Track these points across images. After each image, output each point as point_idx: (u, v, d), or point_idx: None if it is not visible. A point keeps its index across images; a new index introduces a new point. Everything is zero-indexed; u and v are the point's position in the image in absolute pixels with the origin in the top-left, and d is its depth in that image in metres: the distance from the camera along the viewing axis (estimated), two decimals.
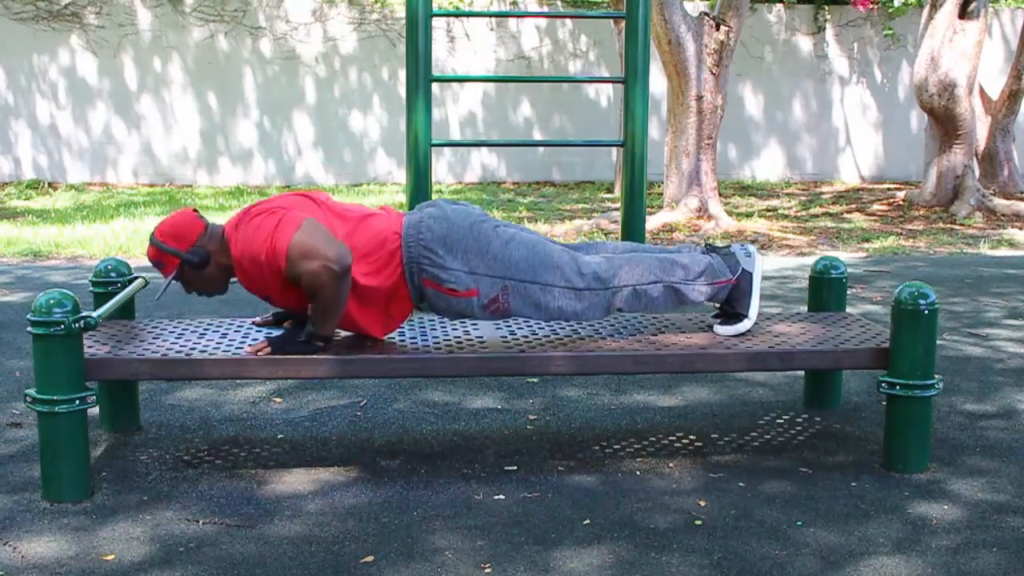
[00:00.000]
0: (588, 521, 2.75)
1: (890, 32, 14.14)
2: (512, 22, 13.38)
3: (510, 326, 3.37)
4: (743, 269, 3.21)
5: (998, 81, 13.12)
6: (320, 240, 2.82)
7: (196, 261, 2.95)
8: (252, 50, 13.04)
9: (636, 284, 3.10)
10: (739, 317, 3.23)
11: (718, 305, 3.32)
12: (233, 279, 3.05)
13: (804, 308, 5.30)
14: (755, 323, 3.33)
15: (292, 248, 2.81)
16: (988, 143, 12.09)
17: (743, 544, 2.61)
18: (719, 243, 3.13)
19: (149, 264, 2.98)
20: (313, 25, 13.15)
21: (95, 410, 3.23)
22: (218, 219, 9.64)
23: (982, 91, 12.00)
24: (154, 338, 3.15)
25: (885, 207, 11.28)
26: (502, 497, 2.91)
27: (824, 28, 14.06)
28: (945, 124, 10.70)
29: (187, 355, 2.94)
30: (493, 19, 13.42)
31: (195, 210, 3.06)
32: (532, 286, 3.01)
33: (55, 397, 2.78)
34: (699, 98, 9.39)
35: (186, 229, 2.98)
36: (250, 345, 3.01)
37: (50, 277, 6.50)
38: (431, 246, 2.96)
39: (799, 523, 2.75)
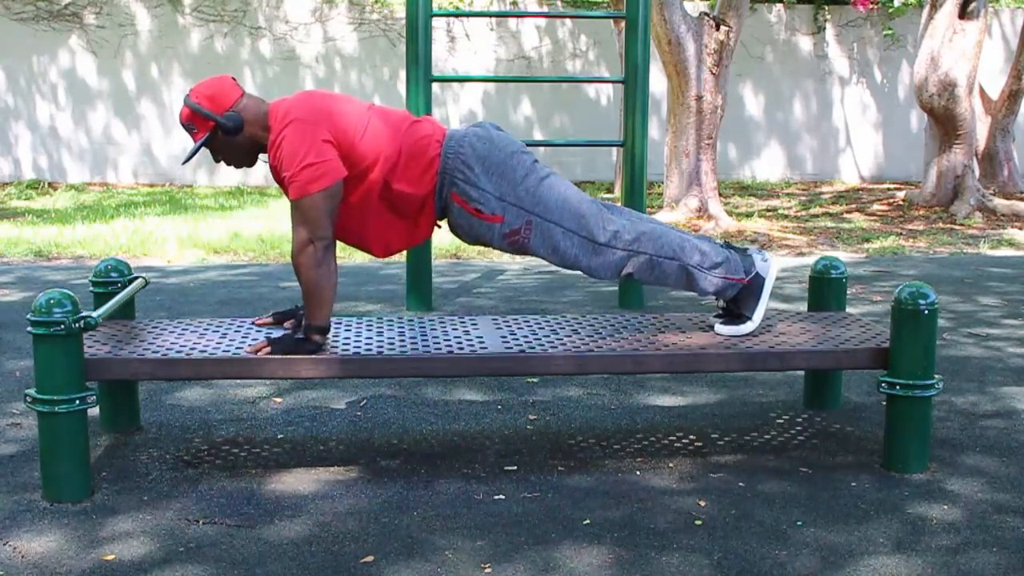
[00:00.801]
0: (588, 521, 2.75)
1: (890, 32, 14.14)
2: (512, 22, 13.38)
3: (510, 326, 3.37)
4: (757, 272, 3.21)
5: (998, 81, 13.13)
6: (323, 217, 2.87)
7: (230, 126, 2.94)
8: (252, 50, 13.04)
9: (654, 254, 3.10)
10: (742, 318, 3.23)
11: (721, 304, 3.32)
12: (264, 157, 3.04)
13: (804, 308, 5.31)
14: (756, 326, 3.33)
15: (302, 202, 2.87)
16: (988, 143, 12.09)
17: (743, 544, 2.61)
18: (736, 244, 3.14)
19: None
20: (313, 25, 13.15)
21: (95, 410, 3.23)
22: (219, 220, 9.63)
23: (982, 91, 12.00)
24: (154, 338, 3.15)
25: (885, 207, 11.28)
26: (502, 497, 2.91)
27: (824, 28, 14.06)
28: (945, 124, 10.70)
29: (187, 355, 2.94)
30: (493, 19, 13.42)
31: (233, 78, 3.05)
32: (555, 228, 3.02)
33: (55, 397, 2.78)
34: (699, 98, 9.39)
35: (223, 93, 2.96)
36: (250, 345, 3.02)
37: (50, 277, 6.50)
38: (469, 162, 2.98)
39: (799, 523, 2.75)
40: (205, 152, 12.98)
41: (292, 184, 2.89)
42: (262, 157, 3.06)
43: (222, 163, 13.68)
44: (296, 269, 2.93)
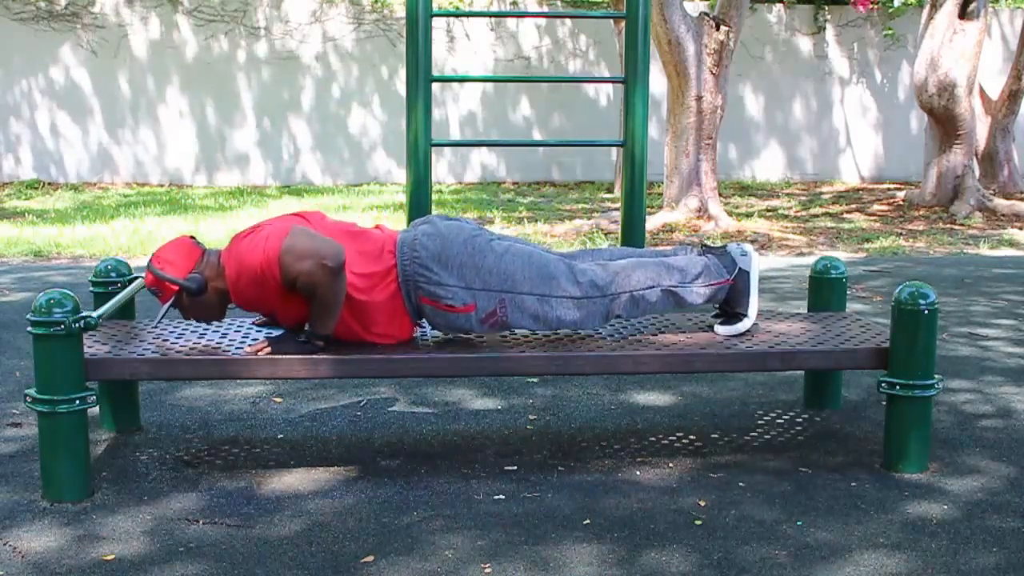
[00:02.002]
0: (588, 521, 2.75)
1: (890, 32, 14.14)
2: (511, 22, 13.38)
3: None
4: (740, 269, 3.21)
5: (998, 81, 13.13)
6: (310, 240, 2.83)
7: (194, 288, 2.95)
8: (251, 50, 13.03)
9: (633, 290, 3.10)
10: (739, 317, 3.23)
11: (718, 305, 3.32)
12: (231, 304, 3.04)
13: (804, 308, 5.31)
14: (755, 323, 3.33)
15: (284, 252, 2.81)
16: (988, 143, 12.09)
17: (743, 544, 2.61)
18: (717, 243, 3.12)
19: (148, 263, 2.99)
20: (312, 25, 13.15)
21: (95, 410, 3.23)
22: (218, 219, 9.63)
23: (982, 91, 12.00)
24: (154, 338, 3.15)
25: (885, 207, 11.28)
26: (502, 497, 2.91)
27: (824, 28, 14.07)
28: (945, 124, 10.70)
29: (187, 355, 2.94)
30: (493, 19, 13.42)
31: (192, 237, 3.07)
32: (529, 298, 3.01)
33: (55, 397, 2.78)
34: (699, 98, 9.39)
35: (183, 256, 2.99)
36: (250, 345, 3.02)
37: (50, 277, 6.50)
38: (426, 263, 2.97)
39: (799, 523, 2.75)
40: (206, 152, 12.99)
41: (267, 263, 2.83)
42: (231, 305, 3.05)
43: (222, 162, 13.61)
44: (312, 292, 2.85)
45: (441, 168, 13.47)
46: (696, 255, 3.24)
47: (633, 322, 3.44)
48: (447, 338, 3.18)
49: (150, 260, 3.00)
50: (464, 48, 13.42)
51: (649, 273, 3.12)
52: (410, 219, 4.35)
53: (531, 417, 3.68)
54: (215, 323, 3.37)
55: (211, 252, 3.04)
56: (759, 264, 3.22)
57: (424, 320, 3.09)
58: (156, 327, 3.14)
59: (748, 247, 3.29)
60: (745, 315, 3.22)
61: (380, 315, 2.99)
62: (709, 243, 3.43)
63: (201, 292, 2.97)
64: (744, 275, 3.21)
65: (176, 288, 2.96)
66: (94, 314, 2.84)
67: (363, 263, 2.97)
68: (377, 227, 3.14)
